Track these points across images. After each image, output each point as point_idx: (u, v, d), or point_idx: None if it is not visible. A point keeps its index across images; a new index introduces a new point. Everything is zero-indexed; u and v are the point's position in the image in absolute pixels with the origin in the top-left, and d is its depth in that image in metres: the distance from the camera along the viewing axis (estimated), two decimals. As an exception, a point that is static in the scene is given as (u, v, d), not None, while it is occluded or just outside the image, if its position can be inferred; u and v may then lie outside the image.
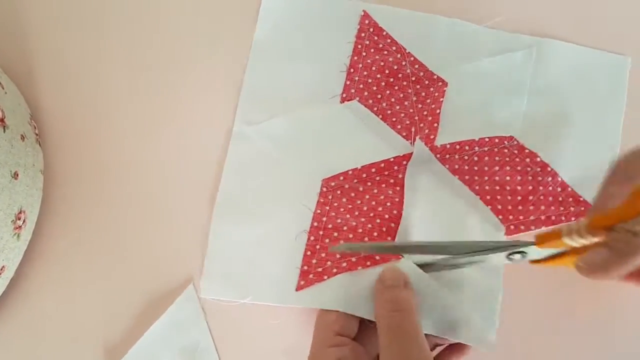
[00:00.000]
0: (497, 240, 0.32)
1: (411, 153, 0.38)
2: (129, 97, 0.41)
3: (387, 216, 0.37)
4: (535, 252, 0.30)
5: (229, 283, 0.37)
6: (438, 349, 0.34)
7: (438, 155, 0.38)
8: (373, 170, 0.38)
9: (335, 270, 0.36)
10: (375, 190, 0.38)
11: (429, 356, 0.28)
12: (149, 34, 0.42)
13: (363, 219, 0.37)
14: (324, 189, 0.38)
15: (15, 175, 0.35)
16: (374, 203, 0.38)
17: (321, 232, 0.37)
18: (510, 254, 0.30)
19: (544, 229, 0.37)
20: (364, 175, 0.38)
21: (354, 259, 0.36)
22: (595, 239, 0.27)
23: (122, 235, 0.39)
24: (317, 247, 0.37)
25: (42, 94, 0.41)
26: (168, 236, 0.39)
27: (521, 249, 0.30)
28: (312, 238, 0.37)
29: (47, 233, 0.39)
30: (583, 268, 0.28)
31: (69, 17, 0.42)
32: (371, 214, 0.37)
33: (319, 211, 0.38)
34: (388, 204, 0.37)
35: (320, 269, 0.36)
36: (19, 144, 0.36)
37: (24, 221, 0.36)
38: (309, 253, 0.37)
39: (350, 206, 0.38)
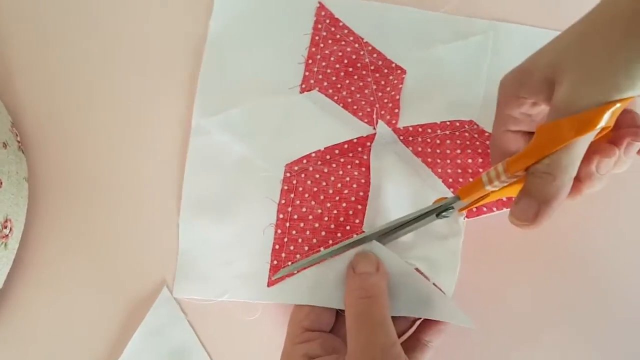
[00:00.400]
0: (429, 205, 0.33)
1: (374, 134, 0.38)
2: (107, 100, 0.41)
3: (353, 198, 0.37)
4: (461, 204, 0.33)
5: (202, 281, 0.36)
6: (417, 323, 0.33)
7: (401, 137, 0.38)
8: (336, 151, 0.38)
9: None
10: (341, 172, 0.38)
11: (395, 342, 0.28)
12: (121, 34, 0.42)
13: (329, 204, 0.37)
14: (288, 174, 0.38)
15: (-1, 184, 0.35)
16: (339, 185, 0.37)
17: (288, 224, 0.37)
18: (440, 213, 0.33)
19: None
20: (328, 157, 0.38)
21: (322, 249, 0.36)
22: (515, 179, 0.30)
23: (107, 240, 0.38)
24: (285, 240, 0.36)
25: (23, 101, 0.41)
26: (151, 238, 0.38)
27: (450, 207, 0.33)
28: (279, 231, 0.37)
29: (34, 241, 0.38)
30: (516, 223, 0.30)
31: (46, 23, 0.43)
32: (337, 198, 0.37)
33: (283, 201, 0.37)
34: (354, 185, 0.37)
35: (289, 263, 0.36)
36: (1, 152, 0.36)
37: (10, 230, 0.36)
38: (277, 247, 0.36)
39: (315, 189, 0.37)
